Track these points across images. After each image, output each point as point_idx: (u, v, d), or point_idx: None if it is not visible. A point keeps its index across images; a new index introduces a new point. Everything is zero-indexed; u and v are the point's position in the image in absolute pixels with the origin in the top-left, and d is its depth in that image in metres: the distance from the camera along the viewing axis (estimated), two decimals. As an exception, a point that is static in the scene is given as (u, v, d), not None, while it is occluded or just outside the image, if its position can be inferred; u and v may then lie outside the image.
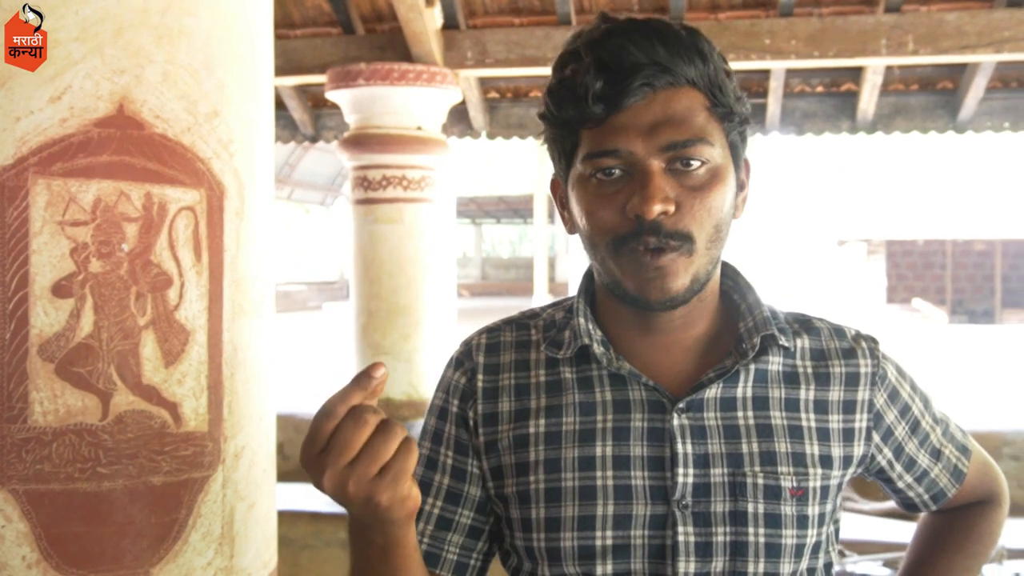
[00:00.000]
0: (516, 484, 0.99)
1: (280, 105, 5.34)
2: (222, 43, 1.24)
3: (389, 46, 4.38)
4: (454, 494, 1.03)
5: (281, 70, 4.61)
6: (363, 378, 0.78)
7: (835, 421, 0.99)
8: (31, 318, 1.10)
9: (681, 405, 0.95)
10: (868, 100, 4.36)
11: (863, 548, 3.53)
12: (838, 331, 1.04)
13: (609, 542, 0.95)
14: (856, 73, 4.40)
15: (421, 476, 1.03)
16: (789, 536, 0.95)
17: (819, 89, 4.62)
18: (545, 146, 1.03)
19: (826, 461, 0.97)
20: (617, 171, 0.92)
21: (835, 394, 1.00)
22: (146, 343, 1.17)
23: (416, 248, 4.38)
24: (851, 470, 1.01)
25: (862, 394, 1.01)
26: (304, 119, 5.30)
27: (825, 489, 0.97)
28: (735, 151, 0.96)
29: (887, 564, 3.27)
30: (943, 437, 1.09)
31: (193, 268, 1.20)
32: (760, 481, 0.94)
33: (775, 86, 4.39)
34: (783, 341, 0.99)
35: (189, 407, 1.20)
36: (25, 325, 1.10)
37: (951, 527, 1.15)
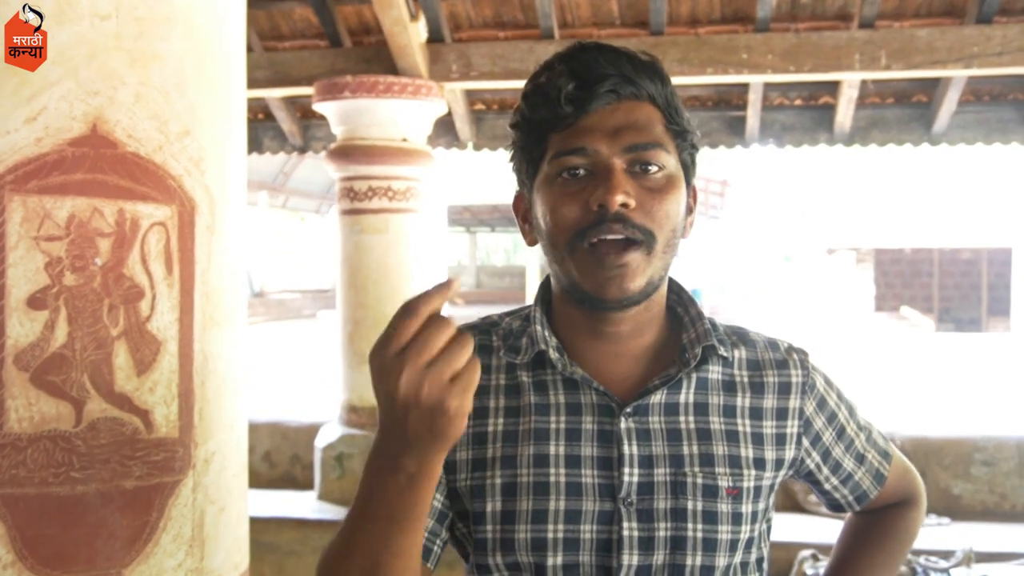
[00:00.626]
0: (471, 478, 1.04)
1: (269, 116, 5.39)
2: (194, 66, 1.29)
3: (376, 59, 4.43)
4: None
5: (270, 82, 4.66)
6: (443, 286, 0.79)
7: (768, 427, 1.07)
8: (7, 329, 1.15)
9: (628, 409, 1.02)
10: (845, 113, 4.43)
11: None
12: (772, 344, 1.12)
13: (560, 535, 1.01)
14: (833, 87, 4.47)
15: None
16: (724, 532, 1.02)
17: (797, 102, 4.69)
18: (512, 162, 1.09)
19: (759, 463, 1.05)
20: (582, 171, 0.99)
21: (769, 402, 1.08)
22: (119, 353, 1.21)
23: (401, 257, 4.42)
24: (783, 472, 1.08)
25: (793, 402, 1.09)
26: (293, 130, 5.35)
27: (758, 489, 1.05)
28: (686, 170, 1.04)
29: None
30: (866, 443, 1.18)
31: (165, 281, 1.26)
32: (699, 480, 1.02)
33: (754, 99, 4.46)
34: (722, 351, 1.06)
35: (160, 414, 1.25)
36: (1, 336, 1.15)
37: (872, 526, 1.23)
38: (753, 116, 4.59)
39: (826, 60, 3.88)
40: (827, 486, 1.16)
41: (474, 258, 31.66)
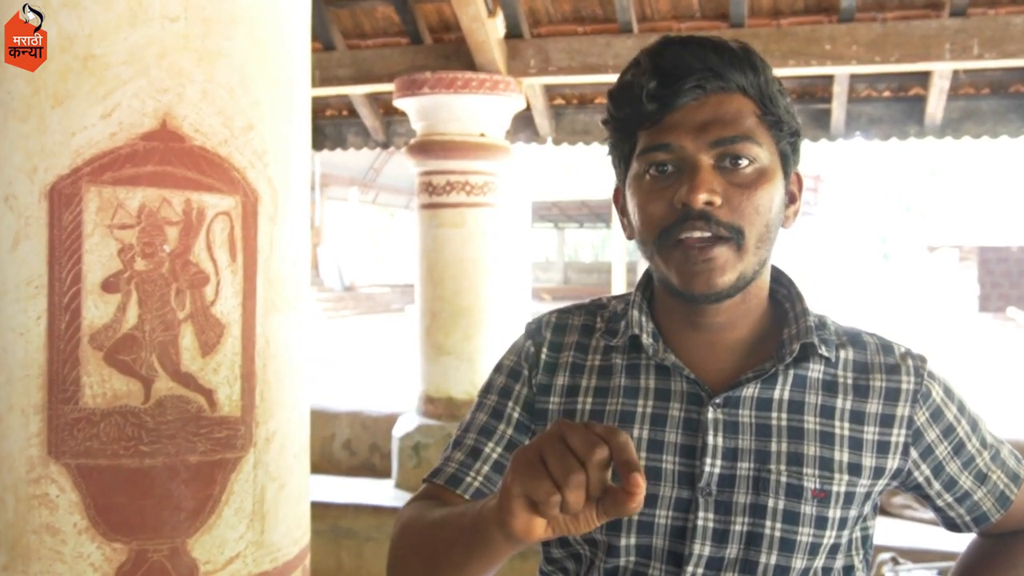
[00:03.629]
0: None
1: (353, 113, 5.53)
2: (257, 63, 1.36)
3: (455, 55, 4.50)
4: (515, 445, 1.09)
5: (353, 79, 4.78)
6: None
7: (870, 432, 1.02)
8: (83, 311, 1.24)
9: (717, 400, 1.01)
10: (936, 105, 4.27)
11: (918, 556, 3.48)
12: (885, 347, 1.07)
13: (636, 517, 1.01)
14: (924, 77, 4.32)
15: (484, 423, 1.10)
16: (805, 534, 0.99)
17: (886, 94, 4.54)
18: (609, 156, 1.11)
19: (855, 469, 1.01)
20: (669, 167, 0.98)
21: (873, 406, 1.03)
22: (185, 335, 1.29)
23: (478, 251, 4.48)
24: (883, 481, 1.04)
25: (901, 410, 1.03)
26: (376, 126, 5.47)
27: (850, 495, 1.01)
28: (785, 160, 1.02)
29: (941, 573, 3.22)
30: (991, 462, 1.09)
31: (228, 267, 1.32)
32: (784, 479, 0.99)
33: (839, 91, 4.34)
34: (823, 351, 1.03)
35: (223, 394, 1.32)
36: (78, 317, 1.24)
37: (997, 552, 1.15)
38: (839, 109, 4.47)
39: (914, 50, 3.75)
40: (939, 502, 1.09)
41: (562, 254, 31.65)
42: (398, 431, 4.63)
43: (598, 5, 4.45)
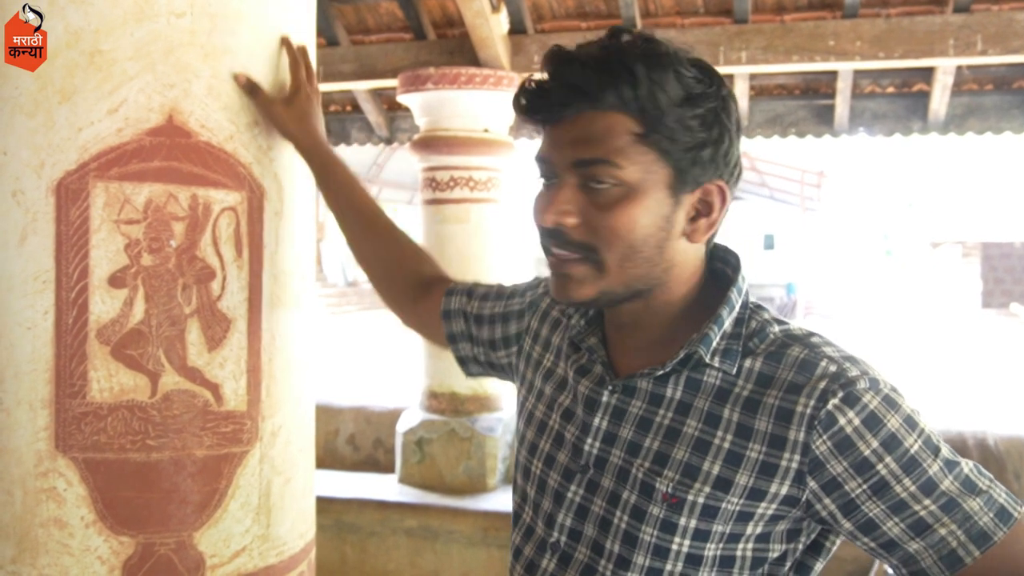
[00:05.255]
0: (522, 395, 1.24)
1: (357, 108, 5.53)
2: (263, 59, 1.36)
3: (459, 51, 4.50)
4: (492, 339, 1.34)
5: (356, 75, 4.78)
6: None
7: (754, 450, 0.97)
8: (90, 305, 1.24)
9: (611, 386, 1.07)
10: (939, 101, 4.27)
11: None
12: (806, 363, 0.97)
13: (538, 472, 1.13)
14: (928, 73, 4.31)
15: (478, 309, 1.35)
16: (648, 533, 1.00)
17: (890, 90, 4.54)
18: None
19: (722, 483, 0.97)
20: (552, 178, 1.03)
21: (762, 424, 0.97)
22: (191, 330, 1.30)
23: (482, 247, 4.48)
24: (767, 505, 0.97)
25: (795, 434, 0.95)
26: (379, 122, 5.47)
27: (711, 508, 0.97)
28: (681, 174, 0.99)
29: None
30: (941, 511, 0.92)
31: (235, 263, 1.33)
32: (640, 475, 1.01)
33: (843, 87, 4.34)
34: (711, 360, 1.01)
35: (229, 388, 1.33)
36: (85, 312, 1.24)
37: None
38: (842, 104, 4.47)
39: (918, 46, 3.75)
40: (860, 545, 0.97)
41: (564, 250, 31.55)
42: (402, 426, 4.64)
43: (601, 1, 4.45)
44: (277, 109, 1.35)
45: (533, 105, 1.02)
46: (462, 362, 1.40)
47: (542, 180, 1.05)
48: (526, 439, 1.18)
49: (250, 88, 1.32)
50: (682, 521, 0.98)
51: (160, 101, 1.26)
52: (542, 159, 1.03)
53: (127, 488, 1.26)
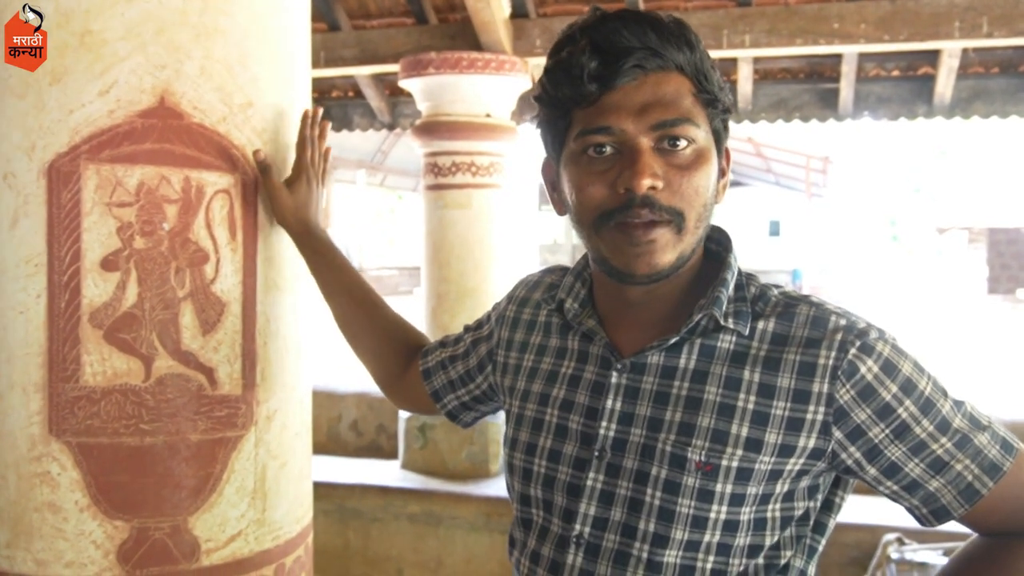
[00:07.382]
0: (508, 404, 1.19)
1: (359, 94, 5.50)
2: (256, 40, 1.34)
3: (460, 35, 4.47)
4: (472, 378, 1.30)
5: (358, 60, 4.75)
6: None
7: (779, 408, 0.97)
8: (83, 289, 1.24)
9: (619, 366, 1.04)
10: (945, 84, 4.23)
11: (924, 537, 3.48)
12: (818, 320, 0.99)
13: (543, 471, 1.09)
14: (933, 56, 4.27)
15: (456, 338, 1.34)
16: (686, 505, 0.98)
17: (895, 73, 4.50)
18: (539, 131, 1.10)
19: (753, 444, 0.97)
20: (608, 148, 0.98)
21: (785, 381, 0.98)
22: (185, 313, 1.29)
23: (484, 232, 4.46)
24: (796, 460, 0.98)
25: (819, 386, 0.96)
26: (382, 107, 5.44)
27: (745, 471, 0.97)
28: (718, 137, 1.02)
29: (946, 553, 3.22)
30: (956, 448, 0.96)
31: (228, 245, 1.32)
32: (668, 448, 0.99)
33: (847, 70, 4.30)
34: (728, 323, 1.01)
35: (224, 372, 1.32)
36: (77, 295, 1.23)
37: (987, 555, 1.03)
38: (847, 88, 4.43)
39: (923, 28, 3.71)
40: (883, 490, 0.99)
41: (569, 237, 31.53)
42: (404, 412, 4.64)
43: (604, -16, 4.41)
44: (278, 195, 1.36)
45: (596, 71, 0.95)
46: (452, 416, 1.34)
47: (592, 151, 0.98)
48: (520, 442, 1.12)
49: (263, 168, 1.34)
50: (718, 487, 0.97)
51: (152, 82, 1.25)
52: (600, 128, 0.97)
53: (121, 472, 1.26)
